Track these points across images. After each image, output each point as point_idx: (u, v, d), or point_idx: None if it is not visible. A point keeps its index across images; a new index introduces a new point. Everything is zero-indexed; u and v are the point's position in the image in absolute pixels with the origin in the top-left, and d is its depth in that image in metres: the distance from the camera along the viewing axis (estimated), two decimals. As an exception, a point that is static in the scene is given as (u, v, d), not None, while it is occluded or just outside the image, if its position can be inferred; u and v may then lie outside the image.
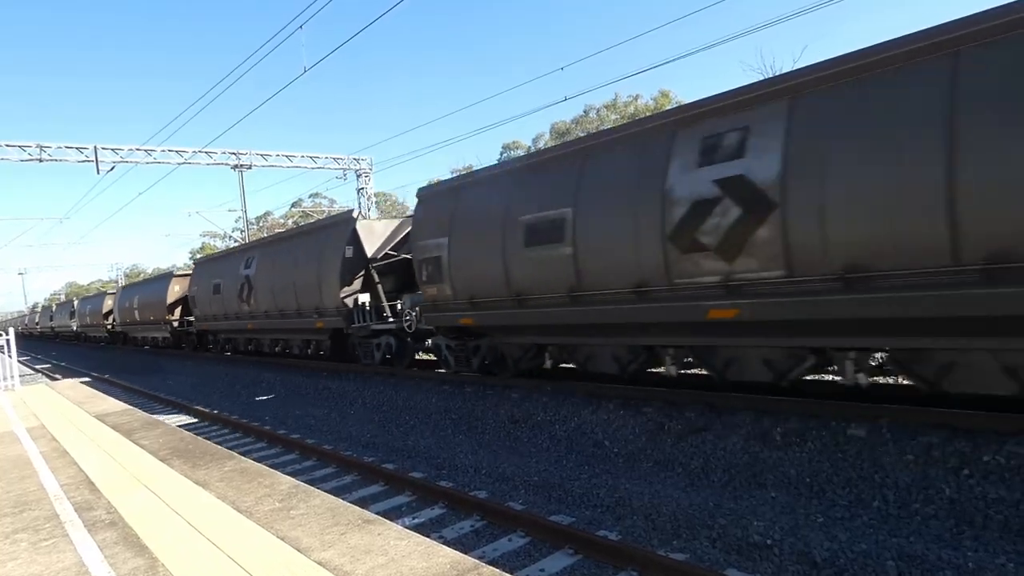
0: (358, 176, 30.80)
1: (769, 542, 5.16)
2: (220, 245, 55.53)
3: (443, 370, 12.64)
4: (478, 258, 10.28)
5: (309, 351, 17.18)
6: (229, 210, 48.95)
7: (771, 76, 8.12)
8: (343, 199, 54.56)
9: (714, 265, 7.00)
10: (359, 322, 14.11)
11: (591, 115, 40.51)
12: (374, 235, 14.48)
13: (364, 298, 14.21)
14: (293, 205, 53.83)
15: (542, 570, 5.07)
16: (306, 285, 15.63)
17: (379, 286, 14.50)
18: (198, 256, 48.47)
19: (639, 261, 7.74)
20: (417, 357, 15.42)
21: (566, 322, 8.97)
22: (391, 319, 13.90)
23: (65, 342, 53.68)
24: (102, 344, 41.35)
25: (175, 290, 26.79)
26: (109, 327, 37.71)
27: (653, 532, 5.67)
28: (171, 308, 26.71)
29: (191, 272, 25.50)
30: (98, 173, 24.46)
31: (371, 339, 14.42)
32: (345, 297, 14.22)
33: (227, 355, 23.37)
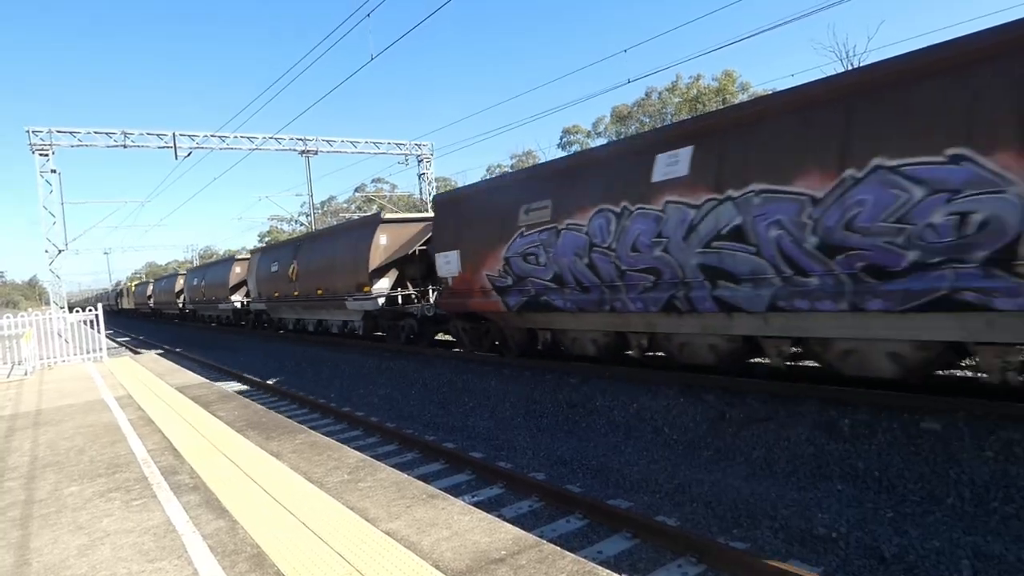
0: (419, 161, 31.24)
1: (834, 535, 5.04)
2: (287, 229, 57.46)
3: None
4: None
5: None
6: (296, 195, 50.63)
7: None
8: (404, 184, 55.42)
9: None
10: None
11: (652, 97, 39.57)
12: None
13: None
14: (356, 190, 55.09)
15: (600, 552, 5.11)
16: None
17: None
18: (267, 240, 50.00)
19: None
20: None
21: None
22: None
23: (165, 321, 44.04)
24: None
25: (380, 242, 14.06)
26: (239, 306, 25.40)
27: (713, 520, 5.62)
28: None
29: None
30: (176, 158, 25.67)
31: None
32: None
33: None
